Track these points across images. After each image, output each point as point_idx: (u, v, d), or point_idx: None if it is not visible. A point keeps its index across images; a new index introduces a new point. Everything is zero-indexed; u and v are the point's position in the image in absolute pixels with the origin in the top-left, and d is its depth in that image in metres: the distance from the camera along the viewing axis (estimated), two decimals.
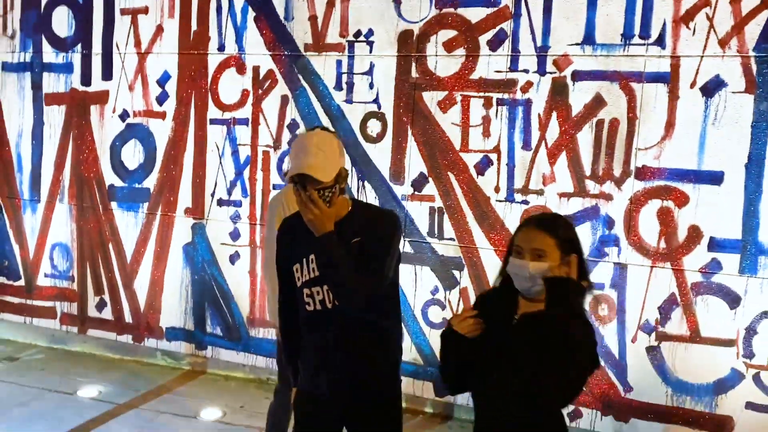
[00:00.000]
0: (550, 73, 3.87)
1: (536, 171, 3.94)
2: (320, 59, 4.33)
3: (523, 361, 1.87)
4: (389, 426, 2.38)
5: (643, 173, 3.73)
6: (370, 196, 4.26)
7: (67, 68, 5.00)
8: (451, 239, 4.14)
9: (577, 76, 3.82)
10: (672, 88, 3.65)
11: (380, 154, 4.23)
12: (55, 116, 5.07)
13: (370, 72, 4.22)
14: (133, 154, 4.88)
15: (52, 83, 5.05)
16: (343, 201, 2.26)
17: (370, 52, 4.21)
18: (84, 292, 5.11)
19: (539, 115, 3.91)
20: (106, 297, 5.05)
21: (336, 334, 2.25)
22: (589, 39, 3.78)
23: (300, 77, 4.38)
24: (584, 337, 1.90)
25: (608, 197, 3.81)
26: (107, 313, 5.05)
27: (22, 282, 5.28)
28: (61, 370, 4.81)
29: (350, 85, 4.27)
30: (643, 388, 3.80)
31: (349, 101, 4.28)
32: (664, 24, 3.63)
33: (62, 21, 4.98)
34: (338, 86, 4.30)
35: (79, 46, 4.94)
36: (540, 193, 3.95)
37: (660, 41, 3.65)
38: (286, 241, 2.38)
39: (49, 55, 5.04)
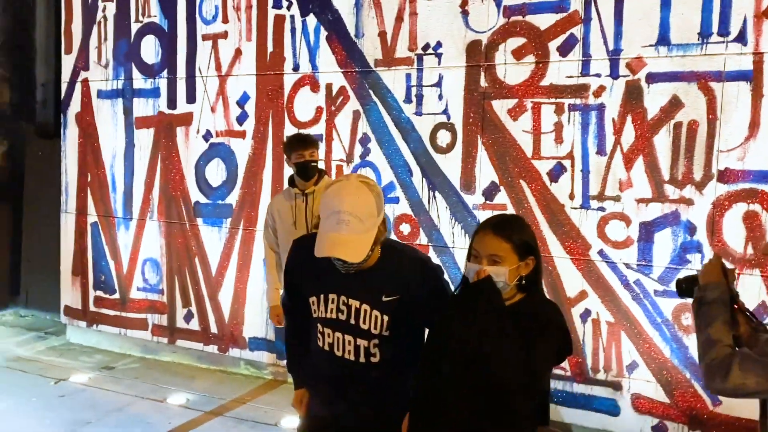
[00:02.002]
0: (623, 76, 3.78)
1: (612, 176, 3.85)
2: (390, 74, 4.41)
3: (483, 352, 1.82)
4: None
5: (726, 176, 3.57)
6: (441, 207, 4.28)
7: (154, 93, 5.31)
8: None
9: (652, 78, 3.71)
10: (755, 86, 3.49)
11: (450, 165, 4.25)
12: (144, 138, 5.39)
13: (439, 84, 4.26)
14: (216, 172, 5.11)
15: (141, 107, 5.38)
16: (376, 254, 2.07)
17: (439, 64, 4.25)
18: (173, 304, 5.38)
19: (613, 119, 3.82)
20: (193, 309, 5.29)
21: (345, 380, 2.13)
22: (663, 40, 3.67)
23: (371, 92, 4.48)
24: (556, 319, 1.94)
25: (689, 202, 3.66)
26: (194, 324, 5.29)
27: (117, 295, 5.62)
28: (152, 379, 5.08)
29: (419, 98, 4.32)
30: (733, 402, 3.61)
31: (418, 113, 4.33)
32: (745, 20, 3.48)
33: (150, 49, 5.30)
34: (408, 99, 4.36)
35: (165, 72, 5.25)
36: (617, 199, 3.85)
37: (741, 38, 3.50)
38: (300, 261, 2.19)
39: (139, 81, 5.37)
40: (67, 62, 5.69)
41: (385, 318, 2.04)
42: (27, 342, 5.95)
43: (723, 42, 3.54)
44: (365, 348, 2.07)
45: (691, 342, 3.68)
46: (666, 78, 3.69)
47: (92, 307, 5.74)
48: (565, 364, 3.99)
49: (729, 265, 1.94)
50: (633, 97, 3.77)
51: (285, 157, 4.02)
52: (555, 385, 4.03)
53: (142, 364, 5.46)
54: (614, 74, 3.81)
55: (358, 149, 4.55)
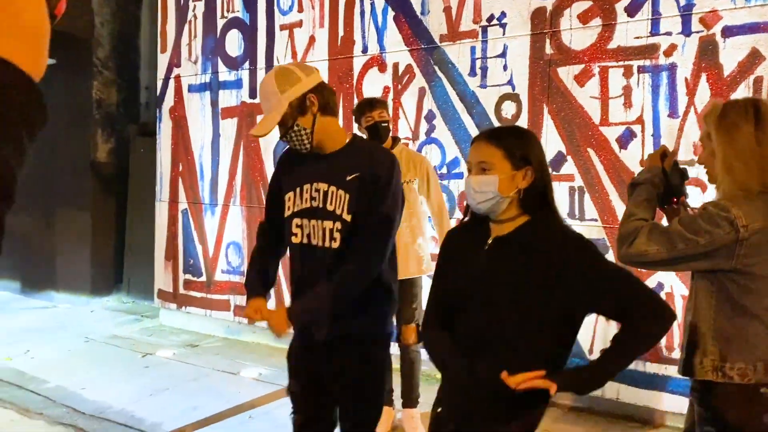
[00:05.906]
0: (697, 32, 3.55)
1: (685, 140, 3.61)
2: (455, 48, 4.38)
3: (498, 294, 1.70)
4: (359, 367, 2.21)
5: None
6: None
7: (237, 84, 5.58)
8: (593, 220, 3.91)
9: (728, 32, 3.46)
10: None
11: None
12: (228, 128, 5.66)
13: (503, 54, 4.19)
14: None
15: (226, 99, 5.66)
16: (336, 130, 2.19)
17: (503, 34, 4.18)
18: None
19: (686, 79, 3.59)
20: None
21: (316, 270, 2.15)
22: None
23: (436, 68, 4.47)
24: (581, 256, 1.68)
25: None
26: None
27: (203, 278, 5.90)
28: (231, 355, 5.27)
29: (484, 70, 4.27)
30: None
31: (483, 86, 4.27)
32: None
33: (233, 42, 5.59)
34: (472, 72, 4.31)
35: (246, 63, 5.51)
36: (691, 164, 3.59)
37: None
38: (284, 169, 2.32)
39: (224, 74, 5.66)
40: (162, 60, 6.11)
41: (347, 196, 2.09)
42: (124, 324, 6.36)
43: None
44: (329, 230, 2.12)
45: None
46: (744, 30, 3.43)
47: (182, 290, 6.05)
48: None
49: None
50: (707, 53, 3.52)
51: (356, 126, 3.95)
52: None
53: (224, 343, 5.67)
54: (686, 31, 3.58)
55: (424, 126, 4.54)
